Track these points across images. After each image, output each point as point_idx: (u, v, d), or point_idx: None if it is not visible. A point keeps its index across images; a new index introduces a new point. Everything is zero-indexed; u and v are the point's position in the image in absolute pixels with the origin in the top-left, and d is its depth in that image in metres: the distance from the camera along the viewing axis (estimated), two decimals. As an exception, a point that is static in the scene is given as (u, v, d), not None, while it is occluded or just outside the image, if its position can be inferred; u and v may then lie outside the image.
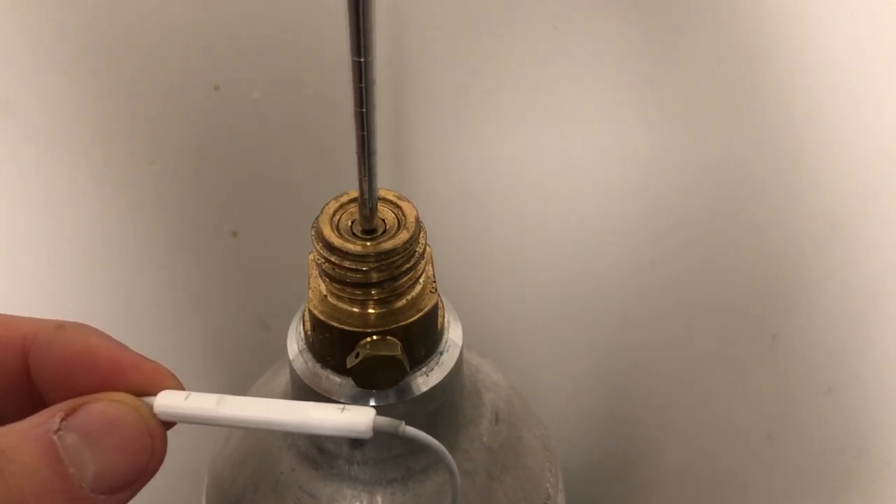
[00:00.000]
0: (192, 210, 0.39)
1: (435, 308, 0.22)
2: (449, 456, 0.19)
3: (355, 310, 0.22)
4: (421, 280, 0.22)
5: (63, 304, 0.39)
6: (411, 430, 0.18)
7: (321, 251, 0.21)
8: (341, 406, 0.19)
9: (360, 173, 0.19)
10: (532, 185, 0.40)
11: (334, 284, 0.21)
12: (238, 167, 0.39)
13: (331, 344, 0.22)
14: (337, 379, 0.22)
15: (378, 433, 0.18)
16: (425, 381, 0.23)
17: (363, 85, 0.17)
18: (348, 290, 0.21)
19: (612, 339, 0.45)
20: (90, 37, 0.33)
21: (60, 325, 0.20)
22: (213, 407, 0.19)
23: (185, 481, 0.31)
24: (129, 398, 0.19)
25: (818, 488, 0.43)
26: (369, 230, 0.21)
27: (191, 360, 0.44)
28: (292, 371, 0.23)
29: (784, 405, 0.42)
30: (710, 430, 0.46)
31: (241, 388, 0.30)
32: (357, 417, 0.18)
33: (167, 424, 0.19)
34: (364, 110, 0.17)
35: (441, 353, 0.23)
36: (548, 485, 0.27)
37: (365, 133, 0.18)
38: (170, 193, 0.38)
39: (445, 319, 0.24)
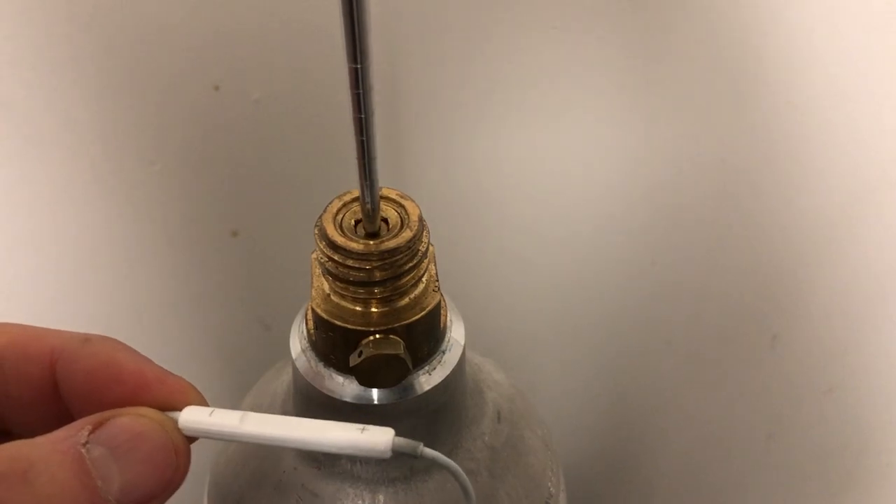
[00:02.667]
0: (192, 210, 0.39)
1: (437, 307, 0.22)
2: (464, 476, 0.20)
3: (358, 308, 0.22)
4: (424, 279, 0.22)
5: (63, 304, 0.39)
6: (429, 452, 0.19)
7: (324, 250, 0.21)
8: (361, 426, 0.19)
9: (360, 178, 0.19)
10: (533, 185, 0.40)
11: (337, 283, 0.21)
12: (238, 167, 0.39)
13: (333, 342, 0.22)
14: (339, 378, 0.22)
15: (397, 453, 0.19)
16: (428, 379, 0.23)
17: (360, 91, 0.17)
18: (351, 288, 0.21)
19: (613, 339, 0.45)
20: (90, 36, 0.33)
21: (87, 339, 0.21)
22: (236, 424, 0.19)
23: (186, 480, 0.31)
24: (154, 413, 0.19)
25: (818, 488, 0.43)
26: (372, 233, 0.21)
27: (191, 360, 0.44)
28: (295, 370, 0.23)
29: (784, 405, 0.42)
30: (711, 430, 0.46)
31: (241, 388, 0.30)
32: (376, 438, 0.19)
33: (191, 439, 0.19)
34: (363, 116, 0.17)
35: (443, 352, 0.23)
36: (549, 484, 0.27)
37: (364, 138, 0.18)
38: (170, 193, 0.38)
39: (448, 318, 0.24)
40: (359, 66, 0.16)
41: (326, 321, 0.22)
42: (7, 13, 0.32)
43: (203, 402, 0.20)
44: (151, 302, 0.41)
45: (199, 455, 0.28)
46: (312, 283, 0.22)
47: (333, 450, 0.19)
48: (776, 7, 0.32)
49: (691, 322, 0.43)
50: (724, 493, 0.47)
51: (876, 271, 0.37)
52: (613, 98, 0.37)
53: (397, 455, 0.18)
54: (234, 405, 0.28)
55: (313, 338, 0.23)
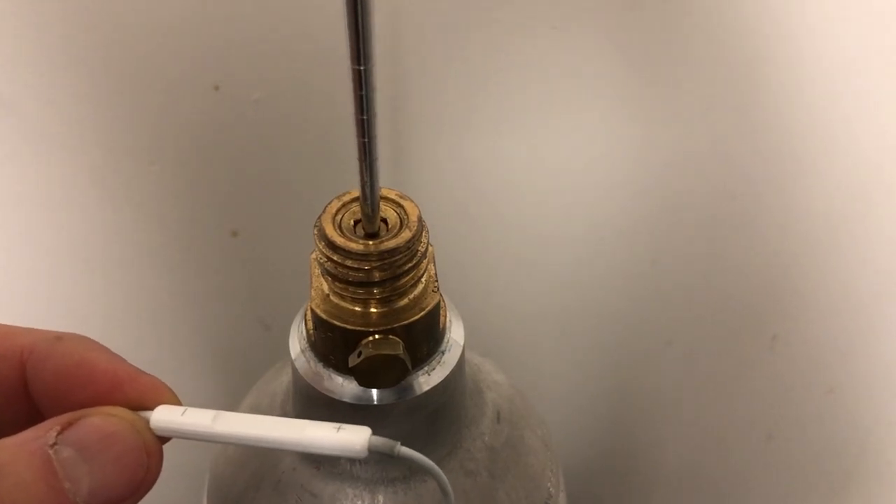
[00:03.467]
0: (192, 210, 0.39)
1: (437, 307, 0.22)
2: (443, 476, 0.19)
3: (357, 309, 0.22)
4: (423, 279, 0.22)
5: (63, 304, 0.39)
6: (406, 451, 0.18)
7: (324, 250, 0.21)
8: (337, 425, 0.19)
9: (361, 179, 0.19)
10: (533, 185, 0.40)
11: (337, 283, 0.21)
12: (238, 167, 0.39)
13: (333, 343, 0.22)
14: (339, 378, 0.22)
15: (373, 453, 0.18)
16: (427, 380, 0.23)
17: (363, 92, 0.17)
18: (350, 288, 0.21)
19: (613, 339, 0.45)
20: (91, 37, 0.33)
21: (58, 337, 0.20)
22: (209, 423, 0.19)
23: (186, 480, 0.31)
24: (125, 412, 0.19)
25: (818, 488, 0.43)
26: (372, 233, 0.21)
27: (191, 361, 0.44)
28: (294, 370, 0.23)
29: (784, 405, 0.42)
30: (711, 430, 0.46)
31: (241, 388, 0.30)
32: (352, 437, 0.18)
33: (163, 439, 0.19)
34: (365, 117, 0.17)
35: (443, 353, 0.23)
36: (549, 484, 0.27)
37: (366, 139, 0.18)
38: (170, 193, 0.38)
39: (447, 319, 0.24)
40: (362, 67, 0.16)
41: (326, 321, 0.22)
42: (7, 13, 0.32)
43: (176, 402, 0.20)
44: (151, 302, 0.41)
45: (199, 455, 0.28)
46: (311, 283, 0.22)
47: (308, 450, 0.19)
48: (778, 7, 0.32)
49: (691, 322, 0.43)
50: (724, 493, 0.47)
51: (876, 271, 0.38)
52: (614, 98, 0.37)
53: (374, 454, 0.18)
54: (234, 405, 0.28)
55: (313, 338, 0.23)
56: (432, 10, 0.34)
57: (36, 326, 0.21)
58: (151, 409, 0.19)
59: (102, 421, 0.18)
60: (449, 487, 0.20)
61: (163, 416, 0.19)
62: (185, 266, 0.41)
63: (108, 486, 0.17)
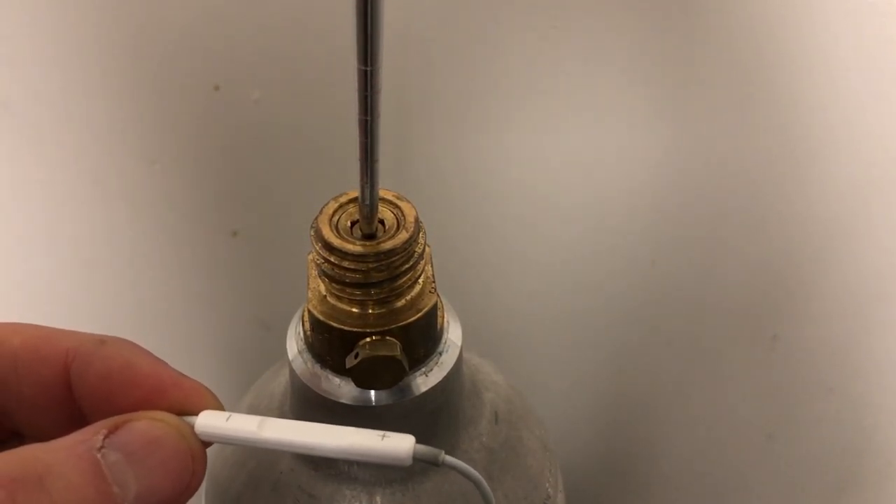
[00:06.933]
0: (192, 210, 0.39)
1: (434, 308, 0.22)
2: (486, 486, 0.19)
3: (354, 310, 0.22)
4: (420, 280, 0.22)
5: (62, 304, 0.39)
6: (450, 460, 0.18)
7: (320, 251, 0.21)
8: (381, 433, 0.19)
9: (361, 180, 0.19)
10: (532, 185, 0.40)
11: (333, 284, 0.21)
12: (238, 167, 0.39)
13: (330, 344, 0.22)
14: (336, 379, 0.22)
15: (417, 461, 0.18)
16: (425, 381, 0.23)
17: (368, 93, 0.17)
18: (348, 290, 0.21)
19: (613, 339, 0.45)
20: (90, 37, 0.33)
21: (102, 340, 0.20)
22: (254, 429, 0.19)
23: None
24: (170, 417, 0.19)
25: (818, 488, 0.43)
26: (369, 234, 0.21)
27: (190, 360, 0.43)
28: (291, 371, 0.23)
29: (784, 405, 0.42)
30: (711, 430, 0.46)
31: (241, 388, 0.30)
32: (397, 446, 0.18)
33: (206, 443, 0.19)
34: (368, 118, 0.17)
35: (440, 354, 0.23)
36: (547, 485, 0.27)
37: (368, 140, 0.18)
38: (170, 193, 0.38)
39: (445, 319, 0.24)
40: (368, 68, 0.16)
41: (323, 323, 0.22)
42: (6, 13, 0.32)
43: (219, 406, 0.20)
44: (151, 302, 0.41)
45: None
46: (309, 284, 0.22)
47: (353, 457, 0.18)
48: (782, 9, 0.32)
49: (691, 322, 0.43)
50: (724, 493, 0.47)
51: (876, 271, 0.37)
52: (613, 99, 0.37)
53: (418, 463, 0.18)
54: (233, 405, 0.28)
55: (310, 339, 0.23)
56: (435, 9, 0.34)
57: (51, 327, 0.21)
58: (195, 413, 0.19)
59: (148, 425, 0.18)
60: (492, 497, 0.20)
61: (208, 422, 0.19)
62: (185, 266, 0.41)
63: (155, 491, 0.17)
